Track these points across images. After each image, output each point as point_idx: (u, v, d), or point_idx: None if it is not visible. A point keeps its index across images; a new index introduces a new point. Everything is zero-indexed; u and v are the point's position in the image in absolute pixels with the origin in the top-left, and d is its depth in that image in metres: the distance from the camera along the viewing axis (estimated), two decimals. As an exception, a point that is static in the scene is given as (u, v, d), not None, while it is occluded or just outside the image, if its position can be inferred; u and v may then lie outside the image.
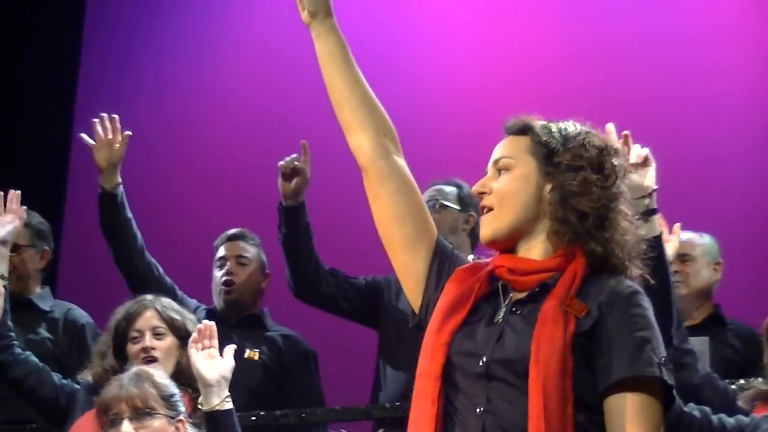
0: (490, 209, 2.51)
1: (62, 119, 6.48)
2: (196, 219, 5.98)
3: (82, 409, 3.78)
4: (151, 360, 3.72)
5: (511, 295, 2.47)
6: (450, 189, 4.68)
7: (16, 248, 4.66)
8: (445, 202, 4.61)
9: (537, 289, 2.44)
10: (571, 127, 2.54)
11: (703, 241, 4.59)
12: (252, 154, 6.14)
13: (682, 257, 4.48)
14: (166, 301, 3.91)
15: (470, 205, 4.64)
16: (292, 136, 4.94)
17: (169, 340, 3.80)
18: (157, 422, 3.35)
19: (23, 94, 6.49)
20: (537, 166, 2.50)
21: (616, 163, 2.50)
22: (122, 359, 3.78)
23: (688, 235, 4.50)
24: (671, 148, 5.70)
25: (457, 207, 4.63)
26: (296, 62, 6.15)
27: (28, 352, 4.14)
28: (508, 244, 2.50)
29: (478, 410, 2.38)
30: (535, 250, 2.48)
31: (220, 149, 6.30)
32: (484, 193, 2.52)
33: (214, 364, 3.40)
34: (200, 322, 3.81)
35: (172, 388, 3.43)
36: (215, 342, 3.46)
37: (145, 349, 3.75)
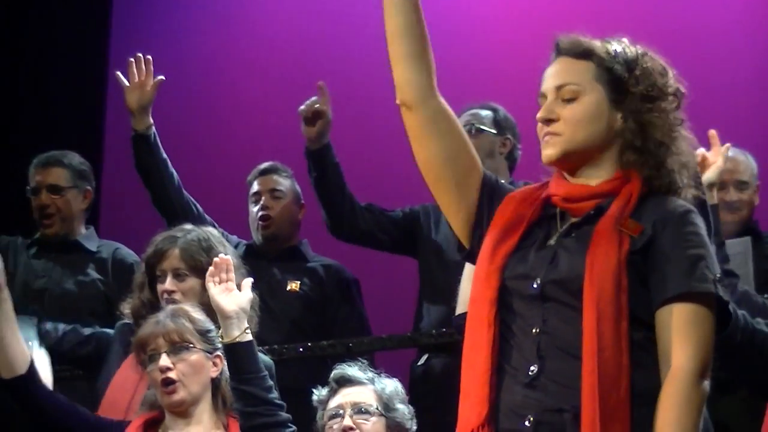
0: (557, 136, 2.49)
1: (97, 59, 6.48)
2: (234, 155, 6.01)
3: (117, 354, 3.83)
4: (172, 302, 3.69)
5: (567, 221, 2.49)
6: (486, 113, 4.69)
7: (58, 190, 4.73)
8: (482, 126, 4.61)
9: (593, 212, 2.46)
10: (629, 50, 2.52)
11: (752, 164, 4.52)
12: (282, 87, 6.17)
13: (740, 185, 4.44)
14: (196, 237, 3.81)
15: (506, 128, 4.66)
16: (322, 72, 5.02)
17: (191, 282, 3.74)
18: (195, 356, 3.39)
19: (58, 34, 6.48)
20: (606, 94, 2.48)
21: (676, 86, 2.51)
22: (157, 293, 3.79)
23: (740, 157, 4.45)
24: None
25: (493, 131, 4.64)
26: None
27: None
28: (570, 165, 2.51)
29: (534, 331, 2.42)
30: (596, 176, 2.50)
31: (254, 84, 6.33)
32: (551, 120, 2.50)
33: (233, 296, 3.40)
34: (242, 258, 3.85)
35: (209, 324, 3.46)
36: (232, 275, 3.45)
37: (166, 291, 3.73)
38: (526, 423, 2.40)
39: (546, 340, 2.42)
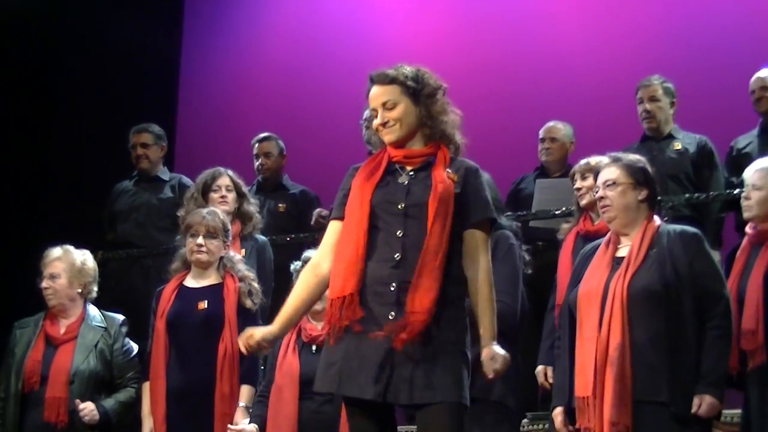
0: (394, 126, 3.52)
1: (172, 50, 8.21)
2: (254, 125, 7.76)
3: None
4: (224, 203, 5.52)
5: (408, 168, 3.49)
6: None
7: (146, 146, 6.78)
8: None
9: (425, 163, 3.46)
10: (409, 69, 3.51)
11: (565, 130, 6.68)
12: (284, 87, 8.12)
13: (552, 140, 6.60)
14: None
15: None
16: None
17: (233, 195, 5.61)
18: (216, 241, 5.01)
19: (139, 40, 8.04)
20: (410, 101, 3.52)
21: (439, 83, 3.54)
22: (204, 202, 5.51)
23: (559, 125, 6.63)
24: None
25: None
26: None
27: None
28: (400, 143, 3.55)
29: (398, 234, 3.36)
30: (416, 146, 3.57)
31: (271, 81, 8.33)
32: (387, 123, 3.52)
33: None
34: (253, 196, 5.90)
35: (228, 225, 5.11)
36: None
37: (223, 197, 5.57)
38: (391, 288, 3.31)
39: (405, 240, 3.33)
